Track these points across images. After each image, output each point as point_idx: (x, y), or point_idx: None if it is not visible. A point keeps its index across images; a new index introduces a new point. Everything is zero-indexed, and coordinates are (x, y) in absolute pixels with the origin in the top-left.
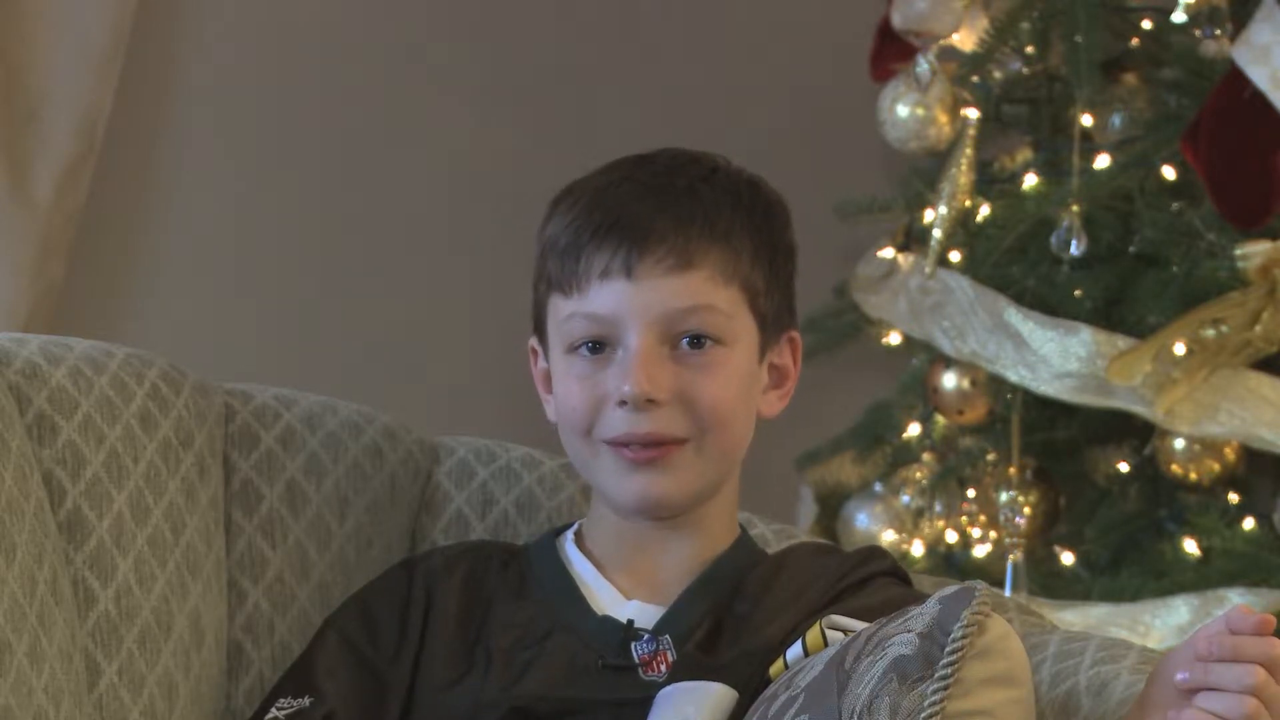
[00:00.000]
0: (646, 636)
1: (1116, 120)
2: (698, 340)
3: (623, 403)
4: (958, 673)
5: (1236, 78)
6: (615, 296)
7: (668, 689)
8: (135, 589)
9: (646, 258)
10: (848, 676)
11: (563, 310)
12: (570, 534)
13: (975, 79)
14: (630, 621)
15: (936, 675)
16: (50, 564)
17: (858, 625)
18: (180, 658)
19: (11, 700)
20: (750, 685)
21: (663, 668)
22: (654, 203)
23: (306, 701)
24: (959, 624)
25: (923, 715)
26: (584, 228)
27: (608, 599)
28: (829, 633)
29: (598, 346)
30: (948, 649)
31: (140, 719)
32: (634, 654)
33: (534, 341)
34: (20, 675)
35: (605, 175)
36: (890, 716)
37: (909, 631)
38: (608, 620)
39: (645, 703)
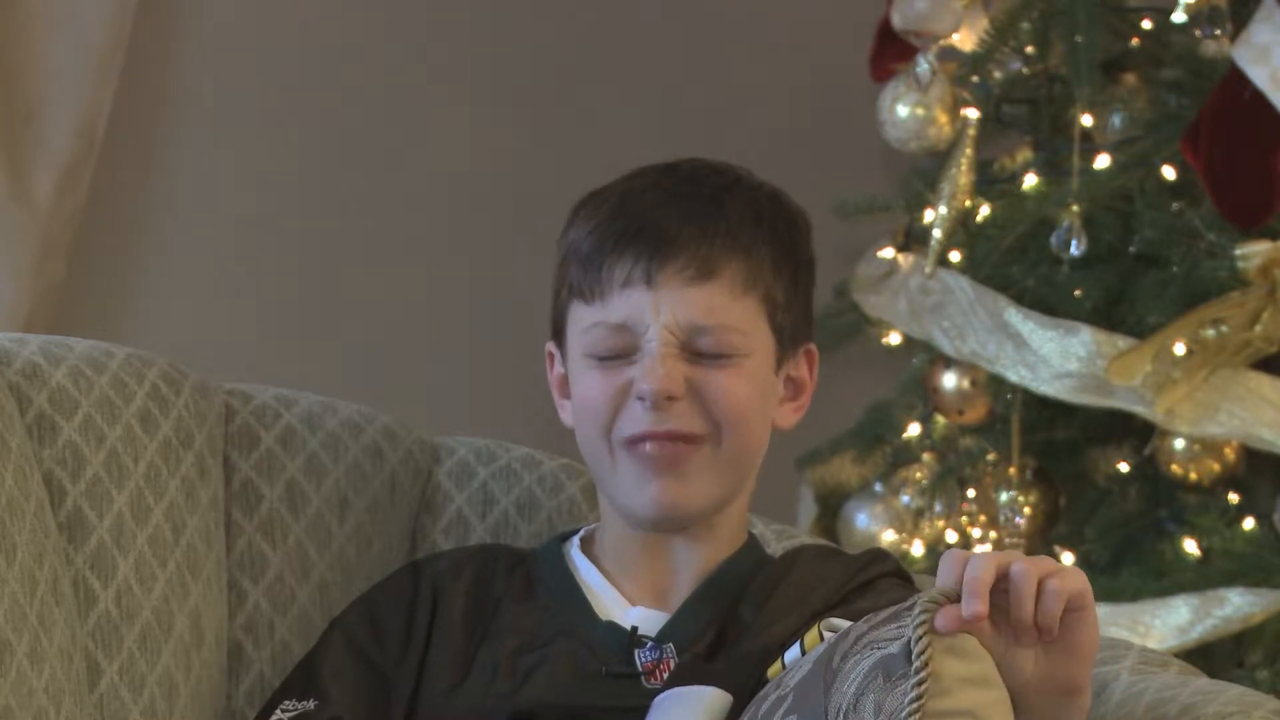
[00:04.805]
0: (650, 644)
1: (1116, 120)
2: (714, 355)
3: (641, 398)
4: (931, 664)
5: (1236, 78)
6: (636, 304)
7: (662, 695)
8: (135, 589)
9: (668, 266)
10: (834, 675)
11: (584, 319)
12: (577, 539)
13: (975, 79)
14: (634, 629)
15: (913, 670)
16: (50, 564)
17: None
18: (180, 657)
19: (12, 700)
20: (748, 687)
21: (666, 675)
22: (677, 211)
23: (311, 704)
24: (916, 610)
25: (904, 714)
26: (607, 235)
27: (612, 605)
28: (827, 635)
29: (617, 354)
30: (913, 638)
31: (141, 719)
32: (638, 662)
33: (551, 346)
34: (21, 675)
35: (629, 182)
36: (875, 715)
37: (901, 638)
38: (612, 627)
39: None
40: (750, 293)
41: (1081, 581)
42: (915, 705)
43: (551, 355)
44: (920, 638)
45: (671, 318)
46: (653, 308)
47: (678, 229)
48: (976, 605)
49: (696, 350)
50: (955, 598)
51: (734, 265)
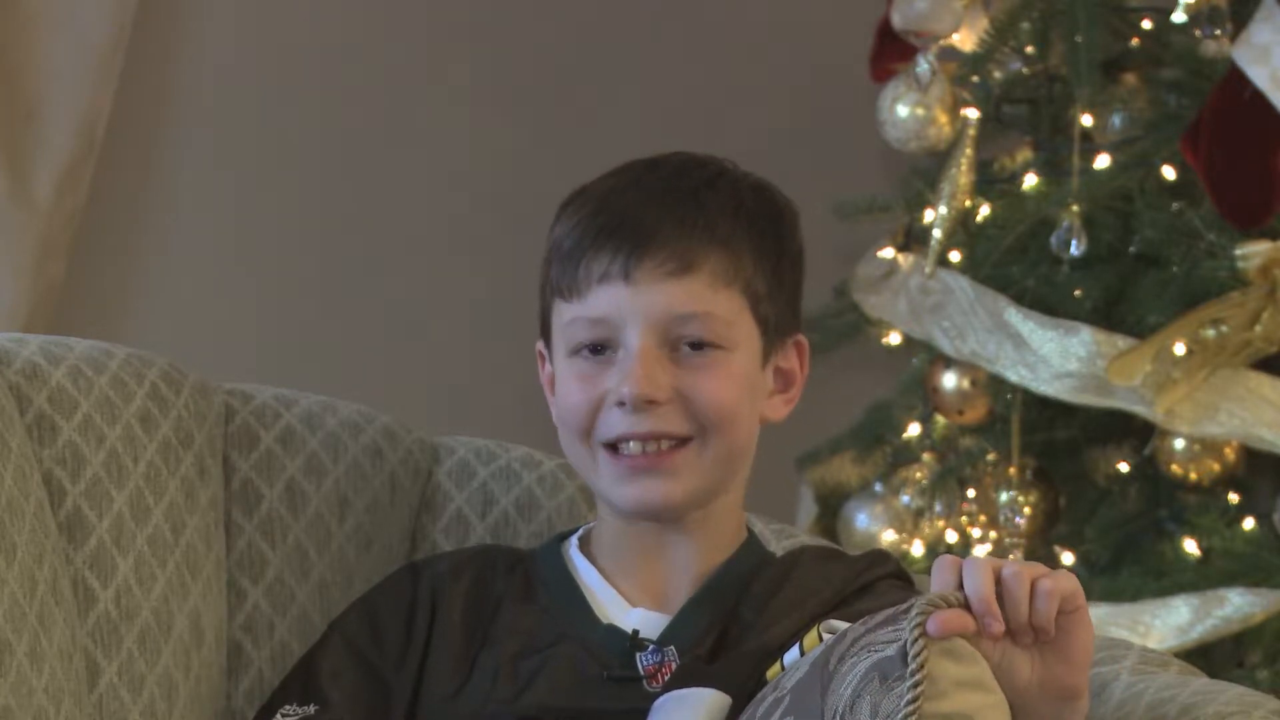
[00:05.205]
0: (651, 647)
1: (1116, 120)
2: (697, 344)
3: (621, 403)
4: (927, 665)
5: (1236, 78)
6: (614, 299)
7: (661, 699)
8: (135, 589)
9: (645, 262)
10: (830, 677)
11: (565, 315)
12: (575, 539)
13: (975, 79)
14: (635, 632)
15: (909, 672)
16: (50, 564)
17: None
18: (180, 657)
19: (11, 700)
20: (747, 689)
21: (667, 678)
22: (656, 207)
23: (312, 709)
24: (913, 612)
25: (899, 716)
26: (586, 232)
27: (612, 606)
28: (826, 637)
29: (599, 349)
30: (909, 640)
31: (140, 719)
32: (639, 665)
33: (540, 345)
34: (20, 675)
35: (612, 179)
36: (871, 717)
37: (897, 640)
38: (613, 630)
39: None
40: (731, 285)
41: (1073, 583)
42: (911, 707)
43: (541, 355)
44: (916, 639)
45: (650, 313)
46: (631, 303)
47: (655, 224)
48: (996, 626)
49: (678, 339)
50: (952, 603)
51: (713, 258)
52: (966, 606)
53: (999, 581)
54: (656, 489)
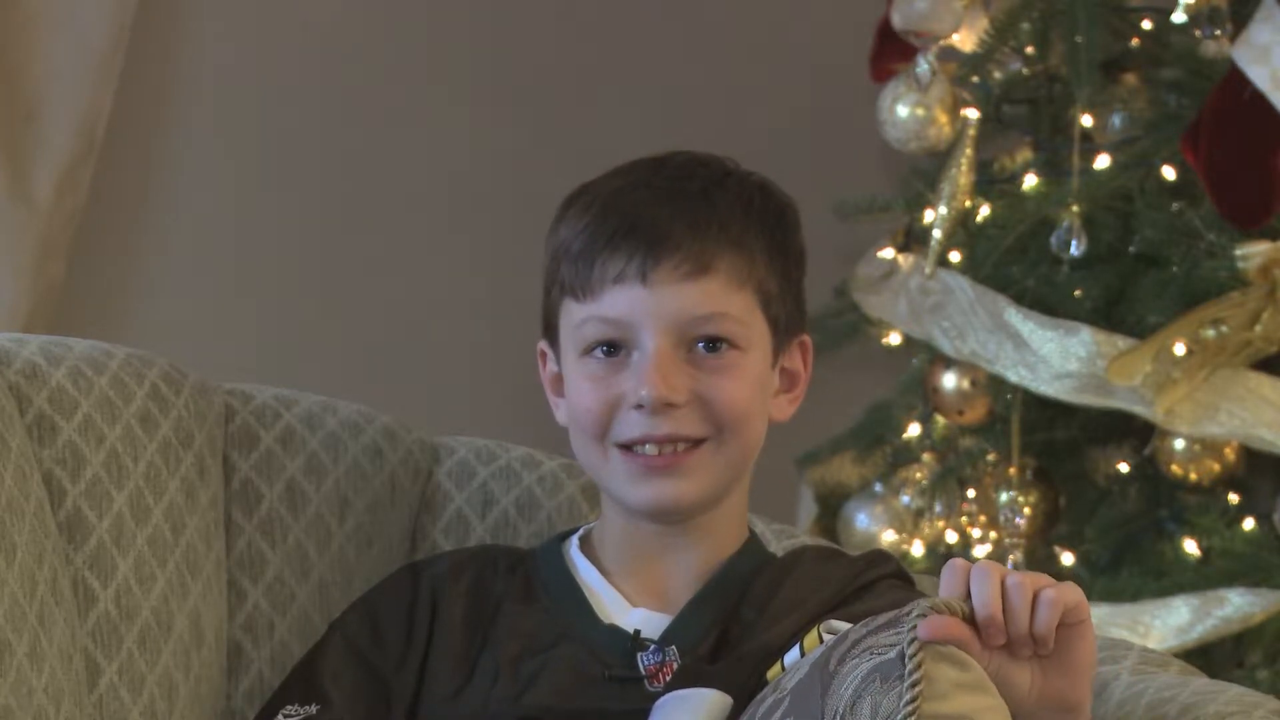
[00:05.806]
0: (653, 647)
1: (1116, 120)
2: (714, 344)
3: (639, 406)
4: (924, 667)
5: (1236, 78)
6: (630, 301)
7: (663, 699)
8: (135, 589)
9: (662, 264)
10: (831, 677)
11: (576, 315)
12: (576, 539)
13: (975, 79)
14: (637, 632)
15: (906, 671)
16: (50, 564)
17: None
18: (180, 657)
19: (11, 700)
20: (747, 689)
21: (669, 678)
22: (669, 208)
23: (314, 709)
24: (913, 614)
25: (899, 715)
26: (598, 233)
27: (613, 606)
28: (827, 637)
29: (612, 349)
30: (906, 641)
31: (140, 719)
32: (640, 665)
33: (543, 344)
34: (20, 675)
35: (618, 178)
36: (872, 717)
37: (899, 644)
38: (614, 630)
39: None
40: (745, 286)
41: (1078, 595)
42: (911, 708)
43: (544, 354)
44: (913, 641)
45: (667, 316)
46: (647, 305)
47: (670, 225)
48: (999, 638)
49: (694, 340)
50: (956, 610)
51: (727, 259)
52: (971, 615)
53: (1001, 590)
54: (670, 489)
